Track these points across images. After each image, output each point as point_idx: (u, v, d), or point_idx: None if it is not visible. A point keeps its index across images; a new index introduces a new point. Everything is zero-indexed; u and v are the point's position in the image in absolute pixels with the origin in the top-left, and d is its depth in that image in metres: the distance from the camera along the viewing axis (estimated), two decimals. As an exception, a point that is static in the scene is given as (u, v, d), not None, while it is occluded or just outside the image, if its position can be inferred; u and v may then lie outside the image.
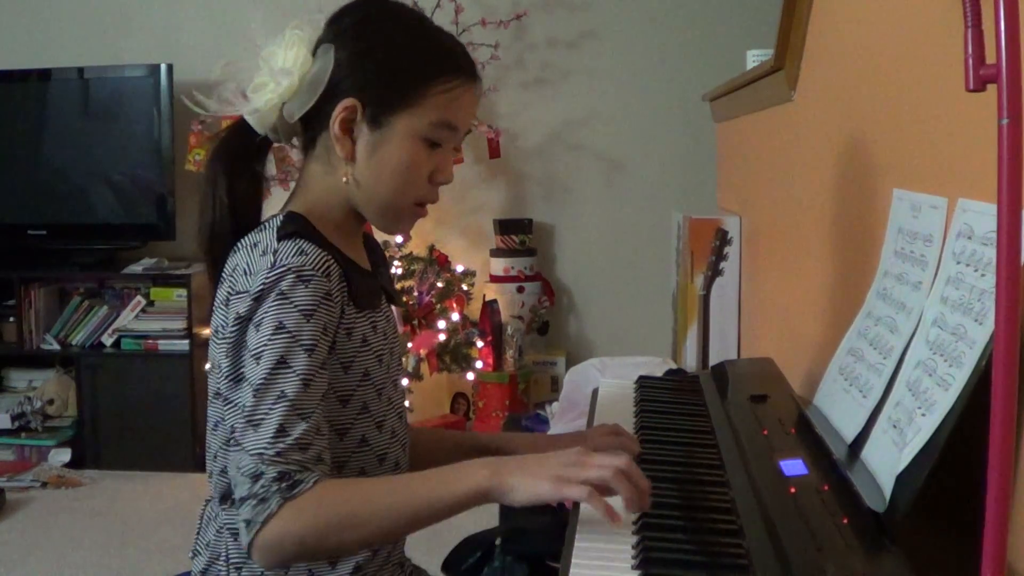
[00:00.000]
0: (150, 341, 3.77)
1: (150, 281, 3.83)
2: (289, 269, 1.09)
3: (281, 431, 1.04)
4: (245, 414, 1.06)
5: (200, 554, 1.23)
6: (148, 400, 3.72)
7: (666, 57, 3.94)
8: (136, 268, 3.84)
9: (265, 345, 1.07)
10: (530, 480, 1.00)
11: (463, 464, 1.05)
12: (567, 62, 3.98)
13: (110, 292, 3.93)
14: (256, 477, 1.03)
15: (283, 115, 1.19)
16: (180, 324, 3.75)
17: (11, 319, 3.83)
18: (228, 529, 1.18)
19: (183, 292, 3.76)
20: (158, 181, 3.81)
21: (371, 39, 1.19)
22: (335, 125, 1.17)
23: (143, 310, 3.81)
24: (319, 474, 1.05)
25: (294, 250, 1.11)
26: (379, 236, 4.02)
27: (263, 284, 1.09)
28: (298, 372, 1.07)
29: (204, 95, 1.25)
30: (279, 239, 1.13)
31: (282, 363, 1.07)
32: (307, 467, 1.04)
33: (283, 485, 1.02)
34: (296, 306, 1.08)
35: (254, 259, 1.14)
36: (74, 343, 3.84)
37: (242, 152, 1.23)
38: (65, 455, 3.73)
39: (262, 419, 1.05)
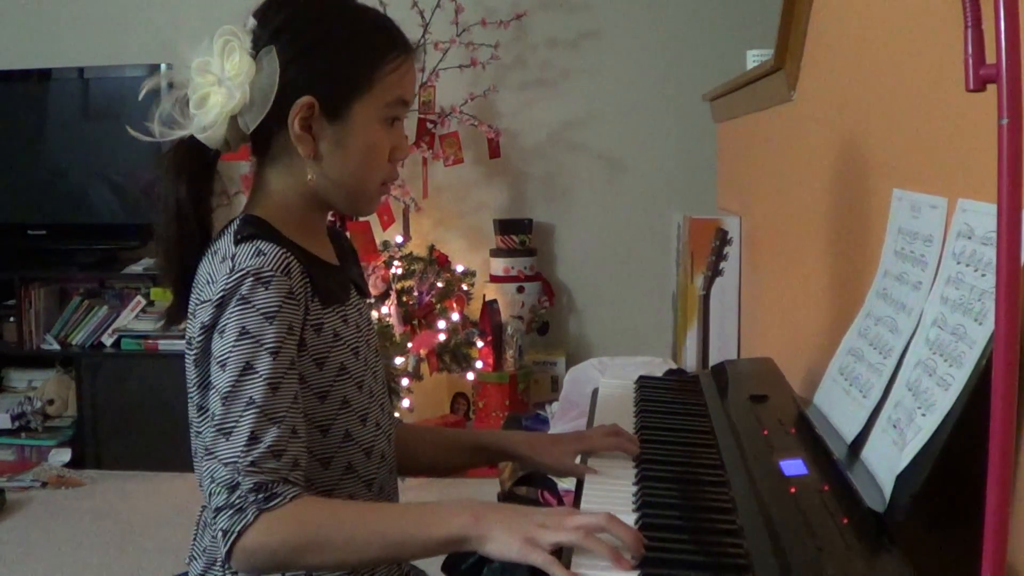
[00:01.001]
0: (150, 341, 3.77)
1: (150, 281, 3.83)
2: (248, 272, 1.09)
3: (253, 439, 1.04)
4: (215, 423, 1.06)
5: (197, 559, 1.23)
6: (148, 400, 3.72)
7: (666, 57, 3.93)
8: (136, 268, 3.84)
9: (229, 352, 1.07)
10: (504, 537, 0.98)
11: (447, 504, 1.03)
12: (567, 62, 3.97)
13: (110, 292, 3.93)
14: (233, 488, 1.03)
15: (237, 127, 1.16)
16: (180, 324, 3.74)
17: (11, 319, 3.84)
18: None
19: (183, 292, 3.76)
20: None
21: (310, 34, 1.17)
22: (295, 125, 1.15)
23: (143, 310, 3.81)
24: (298, 489, 1.05)
25: (251, 252, 1.10)
26: (378, 236, 3.99)
27: (223, 290, 1.09)
28: (264, 376, 1.06)
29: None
30: (236, 243, 1.12)
31: (248, 369, 1.06)
32: (283, 476, 1.05)
33: (260, 496, 1.03)
34: (257, 309, 1.08)
35: (215, 266, 1.13)
36: (74, 343, 3.84)
37: (198, 167, 1.20)
38: (65, 455, 3.73)
39: (232, 427, 1.05)
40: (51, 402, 3.83)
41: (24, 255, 3.89)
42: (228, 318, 1.08)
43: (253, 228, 1.15)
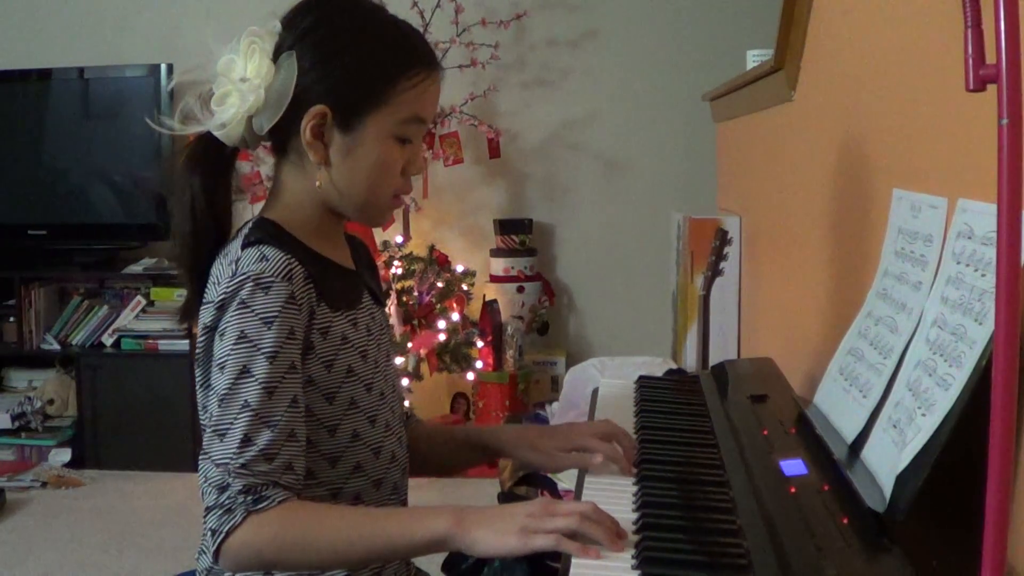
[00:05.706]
0: (150, 341, 3.77)
1: (150, 281, 3.83)
2: (248, 277, 1.10)
3: (246, 441, 1.06)
4: (211, 424, 1.08)
5: (205, 553, 1.24)
6: (148, 400, 3.72)
7: (666, 57, 3.93)
8: (136, 268, 3.84)
9: (228, 355, 1.09)
10: (495, 534, 0.99)
11: (429, 509, 1.06)
12: (567, 62, 3.97)
13: (110, 292, 3.93)
14: (223, 488, 1.05)
15: (252, 127, 1.17)
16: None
17: (11, 319, 3.83)
18: None
19: (183, 292, 3.75)
20: (158, 181, 3.80)
21: (332, 42, 1.17)
22: (306, 132, 1.16)
23: (143, 310, 3.81)
24: (288, 493, 1.07)
25: (255, 257, 1.12)
26: (378, 236, 3.99)
27: (224, 293, 1.11)
28: (260, 380, 1.07)
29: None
30: (243, 247, 1.14)
31: (244, 372, 1.08)
32: (274, 480, 1.06)
33: (249, 498, 1.05)
34: (256, 314, 1.09)
35: (223, 268, 1.15)
36: (74, 343, 3.84)
37: (215, 163, 1.21)
38: (65, 455, 3.73)
39: (227, 429, 1.07)
40: (51, 402, 3.83)
41: (24, 255, 3.88)
42: (228, 322, 1.10)
43: (262, 232, 1.16)
